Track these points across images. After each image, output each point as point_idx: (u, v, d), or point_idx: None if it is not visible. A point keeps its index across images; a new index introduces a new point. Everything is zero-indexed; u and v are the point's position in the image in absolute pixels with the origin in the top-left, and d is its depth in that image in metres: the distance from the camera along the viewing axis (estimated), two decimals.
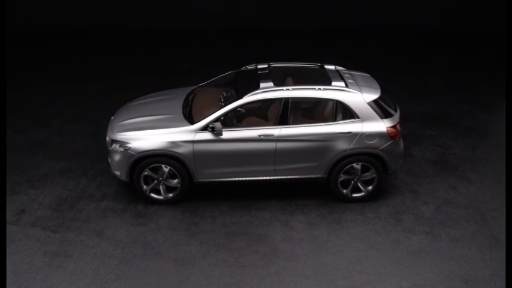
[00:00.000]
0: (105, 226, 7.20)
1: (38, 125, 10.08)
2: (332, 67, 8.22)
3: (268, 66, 8.19)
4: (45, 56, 13.83)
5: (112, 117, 8.16)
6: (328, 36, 15.43)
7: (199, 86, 8.67)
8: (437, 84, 12.29)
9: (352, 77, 7.95)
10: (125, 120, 7.81)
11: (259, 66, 8.23)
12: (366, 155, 7.50)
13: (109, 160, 7.75)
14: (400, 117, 7.69)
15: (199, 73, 11.68)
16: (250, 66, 8.39)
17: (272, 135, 7.32)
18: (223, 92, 7.92)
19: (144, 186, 7.55)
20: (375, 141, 7.41)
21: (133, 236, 7.00)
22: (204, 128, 7.30)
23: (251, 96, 7.34)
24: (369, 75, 8.32)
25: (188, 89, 8.61)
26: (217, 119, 7.29)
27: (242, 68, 8.47)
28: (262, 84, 7.43)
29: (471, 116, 10.71)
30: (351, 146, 7.39)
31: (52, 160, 8.85)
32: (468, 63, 13.60)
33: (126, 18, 15.50)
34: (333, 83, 7.51)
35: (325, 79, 7.68)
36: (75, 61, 13.48)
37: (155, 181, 7.54)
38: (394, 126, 7.49)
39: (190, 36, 15.24)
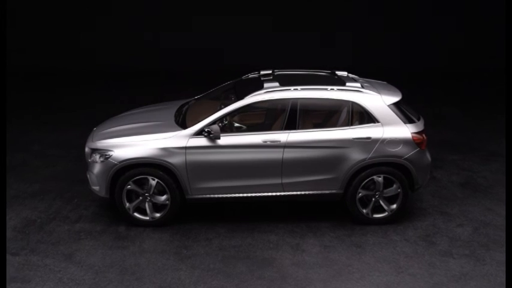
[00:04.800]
0: (77, 249, 5.96)
1: (16, 149, 9.02)
2: (344, 73, 7.30)
3: (273, 73, 7.26)
4: (30, 89, 13.03)
5: (94, 128, 7.14)
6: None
7: (194, 99, 7.71)
8: (453, 115, 11.39)
9: (368, 82, 7.03)
10: (108, 128, 6.79)
11: (262, 73, 7.30)
12: (388, 165, 6.40)
13: (88, 175, 6.62)
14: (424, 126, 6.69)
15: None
16: (252, 74, 7.46)
17: (278, 141, 6.26)
18: (222, 106, 6.89)
19: (127, 204, 6.37)
20: (399, 148, 6.34)
21: (110, 260, 5.75)
22: (199, 133, 6.25)
23: (254, 97, 6.36)
24: (385, 82, 7.41)
25: (182, 102, 7.65)
26: (214, 122, 6.26)
27: (243, 77, 7.55)
28: (266, 85, 6.48)
29: (494, 142, 9.69)
30: (371, 155, 6.31)
31: (25, 183, 7.71)
32: (482, 97, 12.78)
33: (112, 57, 15.01)
34: (348, 84, 6.57)
35: (338, 82, 6.75)
36: (63, 93, 12.65)
37: (140, 197, 6.37)
38: (419, 133, 6.46)
39: (179, 77, 14.48)
